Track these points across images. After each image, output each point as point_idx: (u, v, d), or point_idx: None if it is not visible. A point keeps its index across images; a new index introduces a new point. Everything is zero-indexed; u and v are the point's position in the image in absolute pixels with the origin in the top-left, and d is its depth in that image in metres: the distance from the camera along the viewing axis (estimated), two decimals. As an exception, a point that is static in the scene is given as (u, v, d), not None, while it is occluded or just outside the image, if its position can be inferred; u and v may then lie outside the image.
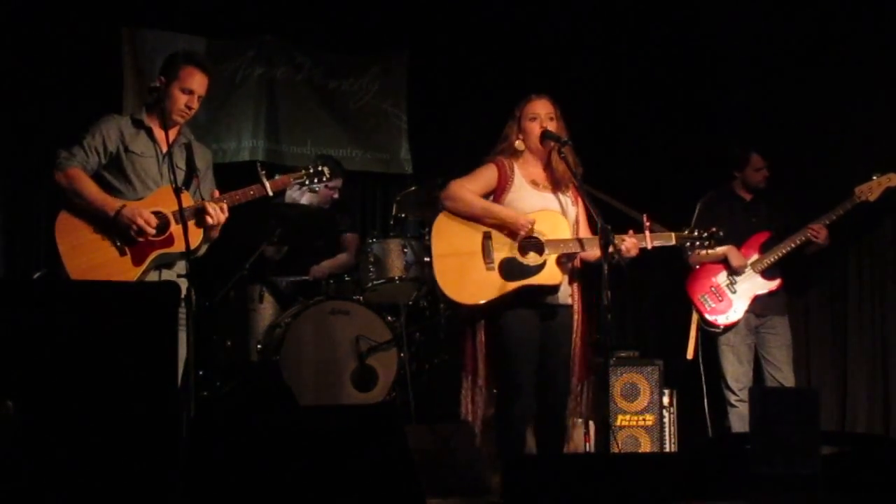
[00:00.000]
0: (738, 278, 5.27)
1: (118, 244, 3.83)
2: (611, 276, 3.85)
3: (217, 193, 3.99)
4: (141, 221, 3.78)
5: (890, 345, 5.55)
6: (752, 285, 5.28)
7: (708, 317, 5.29)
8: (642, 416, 5.37)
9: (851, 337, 5.66)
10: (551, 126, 4.13)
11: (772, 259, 5.27)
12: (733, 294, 5.28)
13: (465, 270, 4.04)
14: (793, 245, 5.24)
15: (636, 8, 6.26)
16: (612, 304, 3.84)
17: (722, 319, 5.28)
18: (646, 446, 5.32)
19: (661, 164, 6.26)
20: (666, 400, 5.45)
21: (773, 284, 5.29)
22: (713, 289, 5.32)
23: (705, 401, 5.38)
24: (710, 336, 5.36)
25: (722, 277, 5.31)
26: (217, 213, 3.88)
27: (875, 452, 2.71)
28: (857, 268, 5.60)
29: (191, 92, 3.95)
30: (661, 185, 6.17)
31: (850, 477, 2.53)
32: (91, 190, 3.84)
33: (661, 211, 4.42)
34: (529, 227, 4.02)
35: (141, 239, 3.81)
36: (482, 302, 4.03)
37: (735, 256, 5.25)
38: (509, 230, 4.05)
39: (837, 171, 5.53)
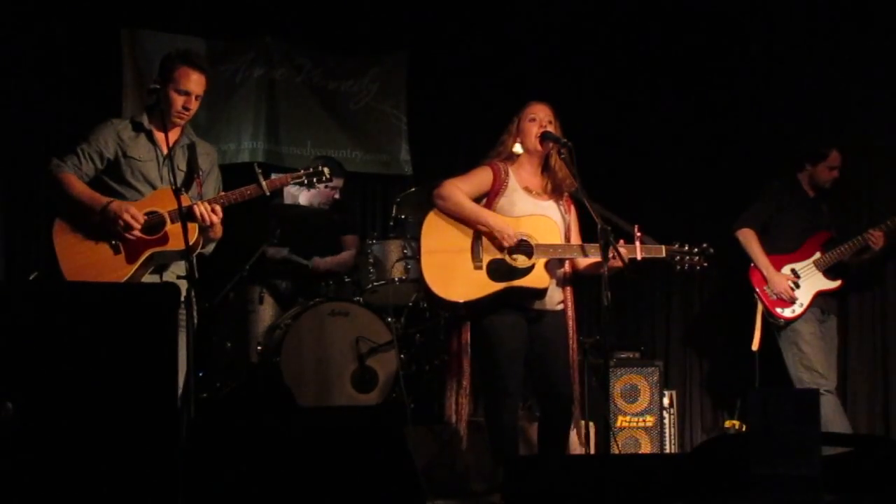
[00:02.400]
0: (802, 273, 5.24)
1: (113, 243, 3.80)
2: (611, 277, 3.85)
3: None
4: (127, 217, 3.73)
5: (890, 345, 5.55)
6: (816, 282, 5.24)
7: (773, 309, 5.24)
8: (642, 417, 5.37)
9: (852, 337, 5.66)
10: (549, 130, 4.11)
11: (835, 258, 5.24)
12: (797, 288, 5.24)
13: (453, 267, 4.02)
14: (851, 248, 5.23)
15: (639, 6, 6.26)
16: (612, 304, 3.82)
17: (787, 312, 5.23)
18: (646, 447, 5.33)
19: (663, 168, 6.27)
20: (666, 401, 5.45)
21: (835, 284, 5.27)
22: None
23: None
24: (775, 329, 5.29)
25: (787, 270, 5.27)
26: (206, 215, 3.80)
27: (875, 452, 2.71)
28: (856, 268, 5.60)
29: (187, 93, 3.89)
30: (662, 192, 6.18)
31: (850, 477, 2.52)
32: (80, 191, 3.81)
33: (656, 217, 4.38)
34: (515, 241, 3.98)
35: (129, 236, 3.77)
36: (466, 300, 3.99)
37: (768, 270, 5.24)
38: (496, 239, 4.01)
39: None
